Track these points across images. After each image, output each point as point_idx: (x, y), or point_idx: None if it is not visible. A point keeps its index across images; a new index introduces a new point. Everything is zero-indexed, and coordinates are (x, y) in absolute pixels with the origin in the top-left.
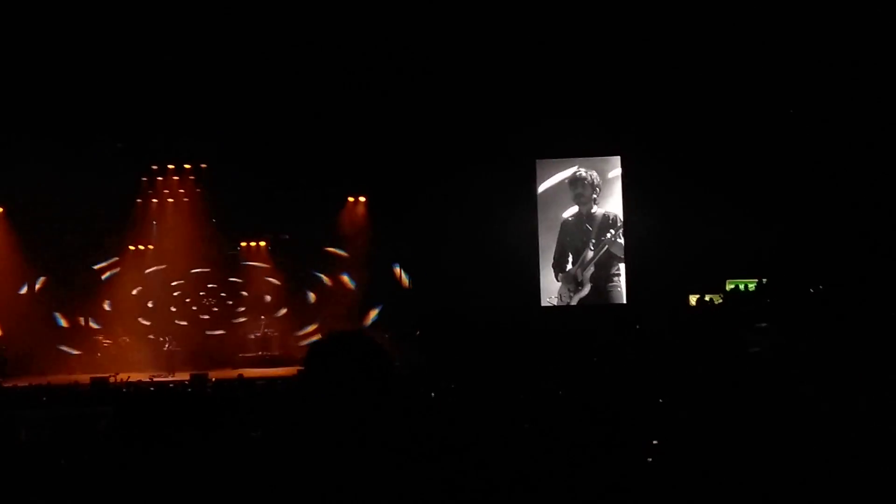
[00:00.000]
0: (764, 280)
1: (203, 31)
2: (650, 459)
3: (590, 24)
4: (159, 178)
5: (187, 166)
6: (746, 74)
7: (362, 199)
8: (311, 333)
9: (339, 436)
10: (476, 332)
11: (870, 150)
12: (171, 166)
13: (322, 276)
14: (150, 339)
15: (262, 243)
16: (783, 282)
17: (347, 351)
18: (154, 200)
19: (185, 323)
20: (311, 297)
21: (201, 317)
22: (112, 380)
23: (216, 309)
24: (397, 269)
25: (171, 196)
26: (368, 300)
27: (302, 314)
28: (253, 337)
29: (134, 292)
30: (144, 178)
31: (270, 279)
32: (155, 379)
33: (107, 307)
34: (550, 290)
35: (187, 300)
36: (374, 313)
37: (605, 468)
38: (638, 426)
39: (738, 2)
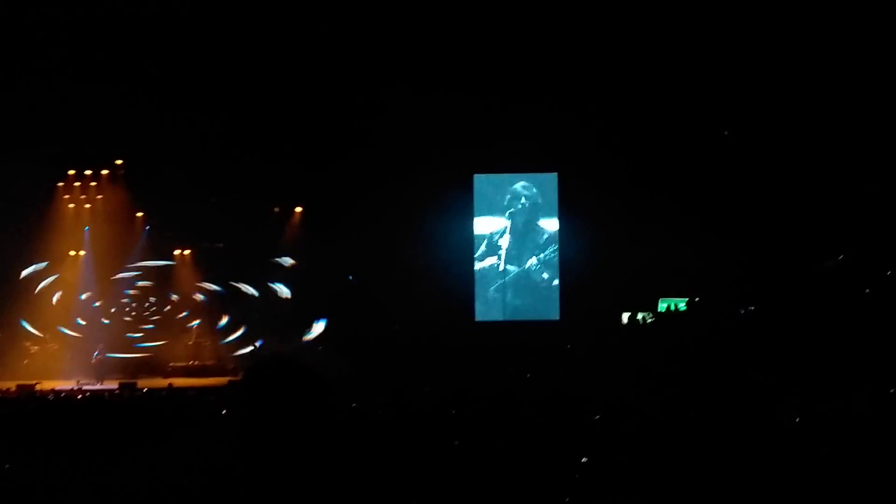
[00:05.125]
0: (696, 299)
1: (140, 41)
2: (579, 474)
3: (530, 42)
4: (91, 183)
5: (105, 172)
6: (681, 96)
7: (297, 210)
8: (241, 343)
9: (276, 461)
10: (409, 344)
11: (801, 173)
12: (102, 172)
13: (251, 287)
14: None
15: (188, 252)
16: (714, 301)
17: (284, 380)
18: (86, 206)
19: (135, 335)
20: (243, 305)
21: (134, 325)
22: (38, 387)
23: (152, 315)
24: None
25: (103, 201)
26: (305, 311)
27: (234, 323)
28: (190, 343)
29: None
30: (74, 183)
31: (201, 287)
32: (83, 387)
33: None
34: (485, 304)
35: (118, 307)
36: (317, 327)
37: (535, 483)
38: (570, 441)
39: (674, 26)
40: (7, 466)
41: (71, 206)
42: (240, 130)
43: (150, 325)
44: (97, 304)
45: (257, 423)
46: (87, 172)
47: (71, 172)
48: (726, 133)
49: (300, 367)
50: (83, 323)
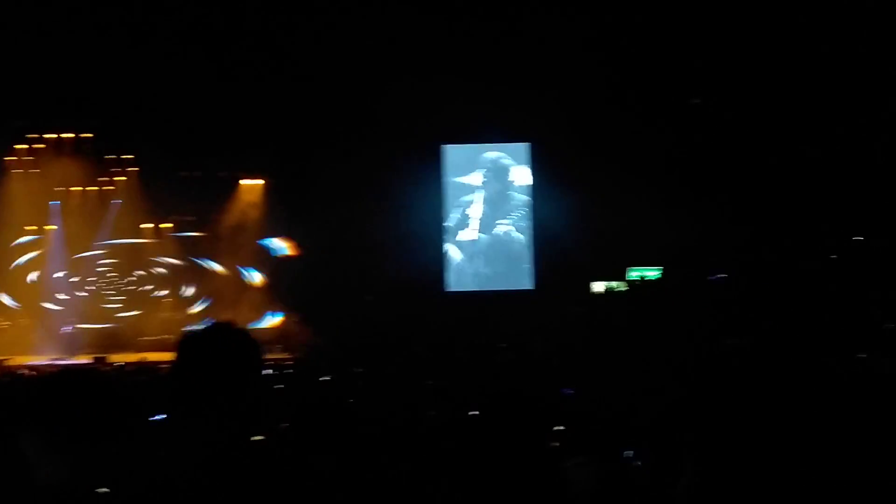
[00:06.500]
0: (667, 268)
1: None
2: (556, 445)
3: (500, 11)
4: (60, 155)
5: (73, 144)
6: (651, 64)
7: (260, 182)
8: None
9: (206, 427)
10: (379, 318)
11: (776, 142)
12: (71, 143)
13: (215, 263)
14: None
15: (170, 224)
16: (684, 270)
17: (215, 343)
18: (53, 178)
19: (112, 306)
20: (209, 280)
21: (106, 299)
22: (7, 363)
23: (124, 289)
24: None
25: (72, 175)
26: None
27: (202, 296)
28: (162, 317)
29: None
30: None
31: (172, 262)
32: (56, 362)
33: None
34: (456, 273)
35: (90, 281)
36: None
37: (511, 459)
38: (545, 415)
39: None
40: None
41: (41, 179)
42: (208, 100)
43: (123, 298)
44: (73, 279)
45: (190, 388)
46: (59, 145)
47: (40, 146)
48: (696, 101)
49: (231, 331)
50: (59, 298)
